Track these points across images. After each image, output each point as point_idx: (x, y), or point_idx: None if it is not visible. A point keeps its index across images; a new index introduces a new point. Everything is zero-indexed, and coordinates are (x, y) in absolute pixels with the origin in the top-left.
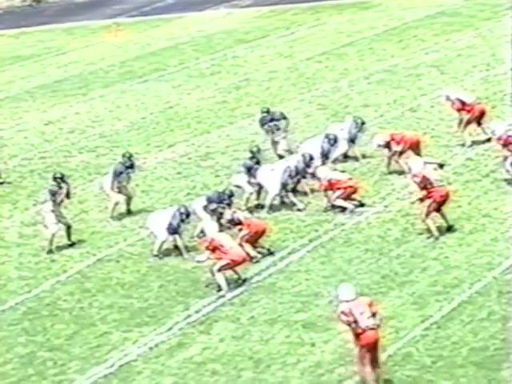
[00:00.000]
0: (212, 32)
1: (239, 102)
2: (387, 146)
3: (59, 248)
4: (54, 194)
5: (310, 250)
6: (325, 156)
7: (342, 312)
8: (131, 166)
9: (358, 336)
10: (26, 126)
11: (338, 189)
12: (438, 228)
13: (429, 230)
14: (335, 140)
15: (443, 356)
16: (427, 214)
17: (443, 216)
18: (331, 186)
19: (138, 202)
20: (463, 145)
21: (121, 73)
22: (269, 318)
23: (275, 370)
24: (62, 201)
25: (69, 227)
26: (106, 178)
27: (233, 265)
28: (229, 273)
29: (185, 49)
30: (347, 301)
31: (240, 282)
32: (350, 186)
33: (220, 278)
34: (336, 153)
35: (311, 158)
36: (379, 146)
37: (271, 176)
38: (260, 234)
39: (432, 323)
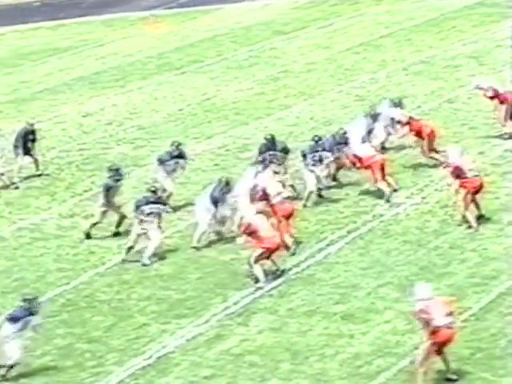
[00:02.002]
0: (250, 23)
1: (277, 94)
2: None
3: (98, 239)
4: (108, 188)
5: (349, 241)
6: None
7: (421, 310)
8: (180, 156)
9: (433, 333)
10: (64, 118)
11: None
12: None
13: (467, 222)
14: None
15: (481, 348)
16: (465, 206)
17: (477, 205)
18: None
19: (176, 194)
20: (501, 136)
21: (159, 64)
22: (307, 309)
23: (313, 362)
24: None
25: (123, 217)
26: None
27: (267, 253)
28: (268, 264)
29: (223, 40)
30: (424, 299)
31: (278, 273)
32: (376, 162)
33: (257, 270)
34: (375, 142)
35: (345, 142)
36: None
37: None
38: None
39: (470, 315)
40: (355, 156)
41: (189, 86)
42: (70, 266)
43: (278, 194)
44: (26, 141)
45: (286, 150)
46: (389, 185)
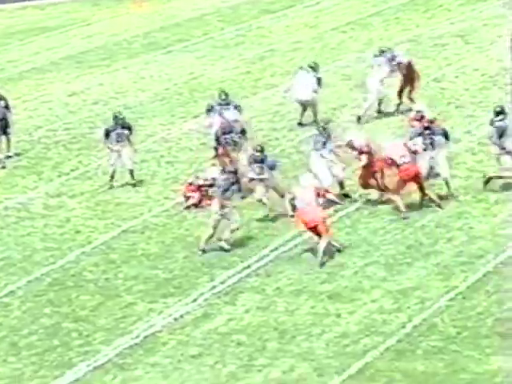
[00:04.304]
0: (237, 2)
1: (263, 73)
2: None
3: (83, 219)
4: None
5: (336, 220)
6: None
7: None
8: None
9: None
10: (50, 98)
11: None
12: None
13: (397, 208)
14: None
15: (468, 326)
16: (394, 191)
17: (423, 193)
18: None
19: (163, 172)
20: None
21: (145, 44)
22: (294, 288)
23: (300, 341)
24: None
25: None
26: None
27: (306, 228)
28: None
29: (209, 19)
30: None
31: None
32: None
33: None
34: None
35: None
36: None
37: None
38: None
39: (457, 294)
40: None
41: (175, 66)
42: (56, 246)
43: None
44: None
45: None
46: None
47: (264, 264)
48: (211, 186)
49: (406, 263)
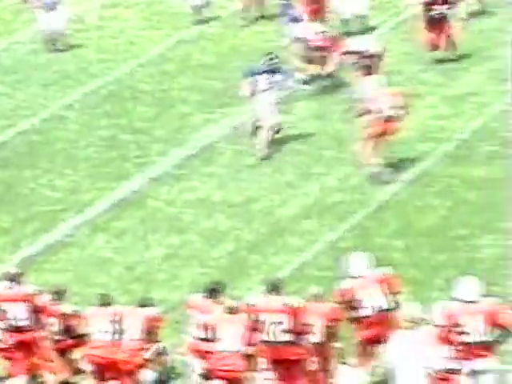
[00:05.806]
0: None
1: None
2: None
3: (138, 29)
4: None
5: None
6: None
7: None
8: None
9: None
10: None
11: None
12: None
13: None
14: None
15: None
16: None
17: None
18: None
19: None
20: None
21: None
22: None
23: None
24: None
25: None
26: None
27: None
28: None
29: None
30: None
31: None
32: None
33: None
34: None
35: None
36: None
37: None
38: None
39: None
40: None
41: None
42: (111, 57)
43: None
44: None
45: None
46: None
47: None
48: None
49: (461, 69)
